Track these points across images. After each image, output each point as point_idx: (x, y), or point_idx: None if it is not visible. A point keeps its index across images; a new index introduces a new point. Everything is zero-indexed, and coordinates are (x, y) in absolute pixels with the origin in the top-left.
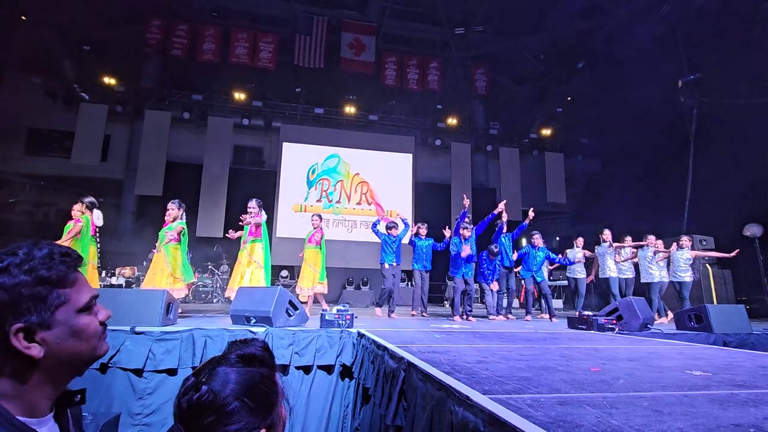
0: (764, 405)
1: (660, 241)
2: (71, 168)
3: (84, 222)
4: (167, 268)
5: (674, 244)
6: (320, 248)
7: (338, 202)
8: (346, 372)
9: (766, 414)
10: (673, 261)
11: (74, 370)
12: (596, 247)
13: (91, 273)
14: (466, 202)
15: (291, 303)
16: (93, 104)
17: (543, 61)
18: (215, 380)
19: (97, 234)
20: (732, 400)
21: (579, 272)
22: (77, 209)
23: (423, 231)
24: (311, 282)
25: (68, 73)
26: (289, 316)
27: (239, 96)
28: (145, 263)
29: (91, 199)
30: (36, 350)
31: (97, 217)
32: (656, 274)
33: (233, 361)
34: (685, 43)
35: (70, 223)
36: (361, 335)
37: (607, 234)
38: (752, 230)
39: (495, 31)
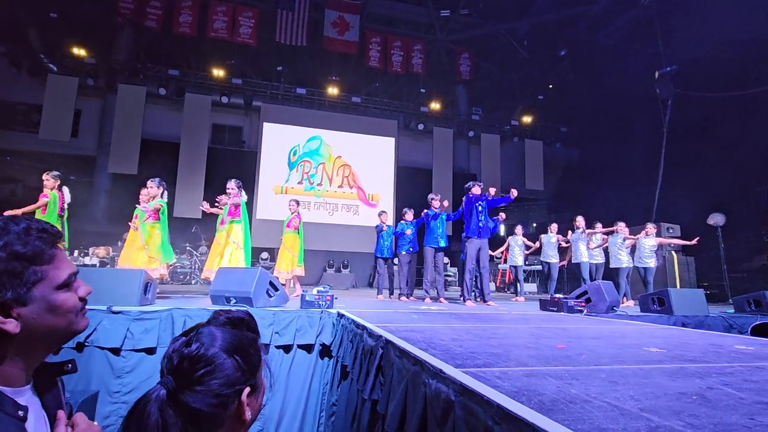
0: (709, 377)
1: (626, 228)
2: (39, 143)
3: (51, 198)
4: (143, 247)
5: (643, 231)
6: (298, 233)
7: (320, 184)
8: (325, 351)
9: (710, 384)
10: (638, 247)
11: (52, 345)
12: (570, 233)
13: None
14: (492, 190)
15: (271, 284)
16: (62, 76)
17: (526, 47)
18: (205, 337)
19: (65, 212)
20: (681, 372)
21: (552, 257)
22: (48, 185)
23: (436, 204)
24: (290, 266)
25: (34, 43)
26: (270, 296)
27: (218, 72)
28: (119, 243)
29: (58, 173)
30: (12, 325)
31: (66, 194)
32: (624, 259)
33: (222, 322)
34: (663, 35)
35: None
36: (341, 315)
37: (580, 221)
38: (715, 219)
39: (480, 15)
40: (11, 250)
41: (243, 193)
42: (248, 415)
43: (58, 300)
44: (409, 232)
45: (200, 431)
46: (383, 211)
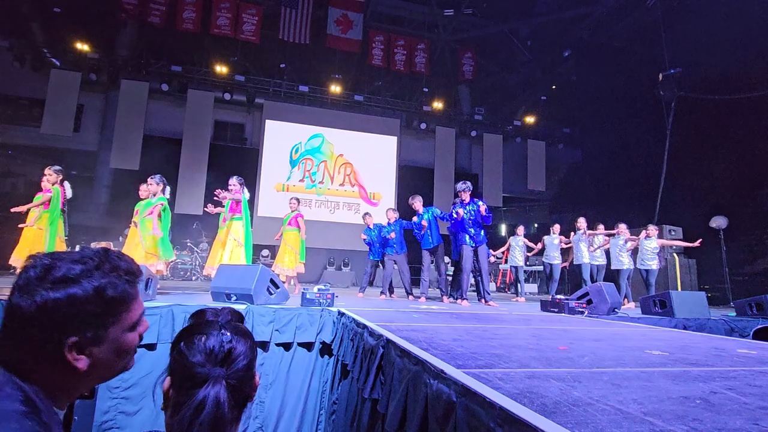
0: (712, 381)
1: (628, 230)
2: (41, 138)
3: (54, 193)
4: (141, 243)
5: (643, 232)
6: (299, 230)
7: (321, 182)
8: (325, 349)
9: (713, 388)
10: (640, 249)
11: (103, 380)
12: (572, 234)
13: (59, 247)
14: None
15: (272, 281)
16: (65, 71)
17: (530, 48)
18: (230, 331)
19: (66, 207)
20: (684, 376)
21: (555, 258)
22: (51, 180)
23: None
24: (293, 263)
25: (37, 37)
26: (270, 294)
27: (221, 69)
28: (121, 239)
29: (59, 167)
30: (83, 363)
31: (68, 189)
32: (626, 261)
33: (229, 317)
34: (668, 37)
35: (40, 195)
36: (341, 314)
37: (581, 222)
38: (718, 222)
39: (484, 14)
40: (102, 292)
41: (245, 190)
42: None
43: (127, 341)
44: (392, 236)
45: (239, 409)
46: (366, 213)
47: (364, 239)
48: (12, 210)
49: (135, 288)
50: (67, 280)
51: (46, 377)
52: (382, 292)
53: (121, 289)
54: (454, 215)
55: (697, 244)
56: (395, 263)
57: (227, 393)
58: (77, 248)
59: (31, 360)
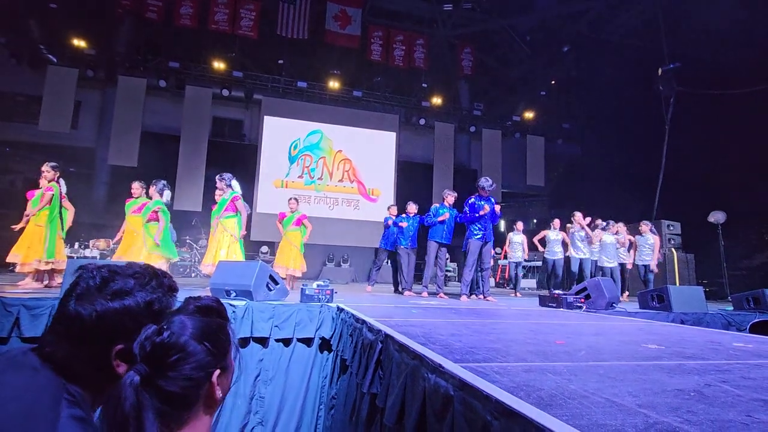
0: (707, 374)
1: (618, 224)
2: (39, 135)
3: (55, 190)
4: (144, 244)
5: (643, 226)
6: (301, 229)
7: (320, 178)
8: (325, 345)
9: (708, 381)
10: (639, 245)
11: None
12: (568, 225)
13: (58, 244)
14: (497, 207)
15: (271, 277)
16: (62, 67)
17: (529, 43)
18: (175, 326)
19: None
20: (679, 369)
21: (557, 254)
22: (48, 177)
23: (451, 199)
24: (300, 262)
25: (34, 33)
26: (270, 290)
27: (219, 65)
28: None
29: (56, 164)
30: (123, 369)
31: (62, 185)
32: (613, 258)
33: (191, 311)
34: (667, 32)
35: (39, 192)
36: (340, 309)
37: (578, 216)
38: (716, 217)
39: (483, 9)
40: (150, 306)
41: (236, 185)
42: (219, 393)
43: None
44: (404, 225)
45: (175, 410)
46: (410, 201)
47: (404, 226)
48: (26, 215)
49: (173, 302)
50: (123, 292)
51: (91, 381)
52: (405, 288)
53: (165, 303)
54: (481, 206)
55: (654, 262)
56: (408, 255)
57: (136, 392)
58: (118, 260)
59: (82, 365)
